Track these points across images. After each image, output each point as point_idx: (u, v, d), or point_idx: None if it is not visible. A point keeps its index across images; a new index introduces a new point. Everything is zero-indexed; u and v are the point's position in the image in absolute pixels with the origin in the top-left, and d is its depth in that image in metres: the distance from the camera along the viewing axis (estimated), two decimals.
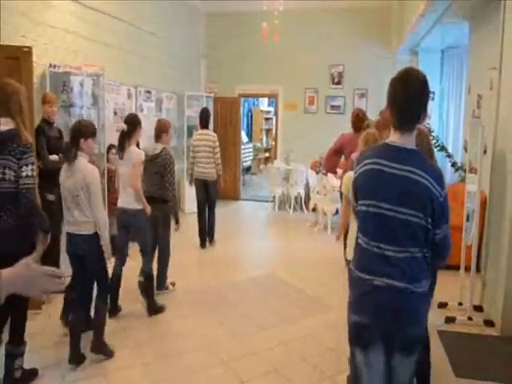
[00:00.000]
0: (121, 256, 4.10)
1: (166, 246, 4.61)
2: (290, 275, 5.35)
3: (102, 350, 3.40)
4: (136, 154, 4.00)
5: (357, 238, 2.03)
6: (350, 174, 3.13)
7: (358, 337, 2.00)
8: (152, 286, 4.25)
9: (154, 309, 4.17)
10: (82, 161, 3.27)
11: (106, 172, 5.55)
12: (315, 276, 5.39)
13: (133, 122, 4.09)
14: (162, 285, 4.64)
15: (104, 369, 3.29)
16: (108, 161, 5.69)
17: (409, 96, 1.93)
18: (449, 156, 6.84)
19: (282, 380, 3.21)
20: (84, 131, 3.31)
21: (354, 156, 3.79)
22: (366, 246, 1.95)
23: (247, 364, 3.41)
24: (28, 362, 3.08)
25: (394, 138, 1.95)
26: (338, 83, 9.52)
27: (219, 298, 4.67)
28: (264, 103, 15.40)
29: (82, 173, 3.21)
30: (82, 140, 3.27)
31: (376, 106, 8.39)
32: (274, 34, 7.33)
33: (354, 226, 3.26)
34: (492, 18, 4.94)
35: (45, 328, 3.80)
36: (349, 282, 2.09)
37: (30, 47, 4.20)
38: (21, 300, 2.67)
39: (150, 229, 4.17)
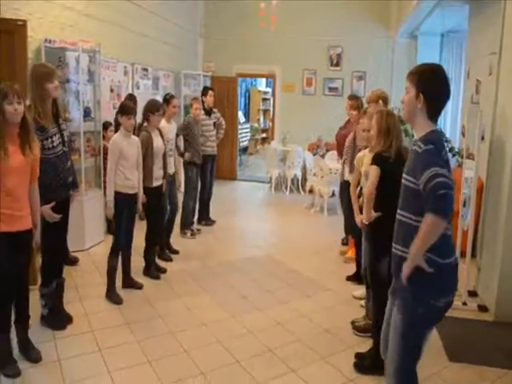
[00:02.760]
0: None
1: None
2: (287, 256, 5.37)
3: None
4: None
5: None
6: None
7: (441, 317, 2.16)
8: None
9: None
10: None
11: (101, 149, 5.49)
12: (311, 258, 5.40)
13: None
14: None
15: (97, 345, 3.30)
16: (104, 138, 5.62)
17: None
18: (446, 141, 6.82)
19: (277, 360, 3.23)
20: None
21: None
22: (450, 232, 2.09)
23: (243, 344, 3.43)
24: None
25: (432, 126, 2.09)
26: (337, 65, 9.42)
27: (216, 278, 4.68)
28: (262, 84, 15.23)
29: None
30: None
31: (374, 88, 8.32)
32: (271, 15, 7.21)
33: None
34: (492, 2, 4.86)
35: None
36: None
37: (24, 21, 4.09)
38: None
39: None
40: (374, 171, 2.99)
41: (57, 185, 3.27)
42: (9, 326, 2.95)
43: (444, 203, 1.86)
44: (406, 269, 2.03)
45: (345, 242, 5.75)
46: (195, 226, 6.13)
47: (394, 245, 2.21)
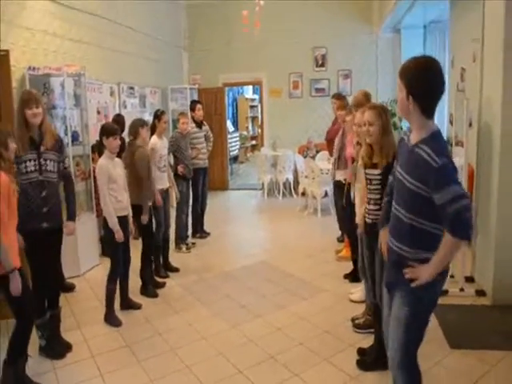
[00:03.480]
0: None
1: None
2: (282, 261, 5.36)
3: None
4: None
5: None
6: None
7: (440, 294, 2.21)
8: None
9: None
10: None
11: (91, 172, 5.48)
12: (306, 260, 5.40)
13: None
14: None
15: (99, 370, 3.28)
16: (93, 161, 5.62)
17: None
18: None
19: (279, 366, 3.22)
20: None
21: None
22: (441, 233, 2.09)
23: (244, 353, 3.42)
24: None
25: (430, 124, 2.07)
26: (322, 65, 9.48)
27: (213, 290, 4.67)
28: (249, 91, 15.32)
29: None
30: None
31: (361, 86, 8.39)
32: (255, 22, 7.25)
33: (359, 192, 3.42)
34: None
35: None
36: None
37: (7, 51, 4.12)
38: None
39: None
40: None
41: (26, 213, 3.14)
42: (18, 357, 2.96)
43: (469, 228, 1.92)
44: (421, 281, 2.05)
45: (341, 240, 5.76)
46: (190, 240, 6.12)
47: (390, 238, 2.23)
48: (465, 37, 5.33)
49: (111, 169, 3.95)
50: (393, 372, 2.27)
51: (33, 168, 3.28)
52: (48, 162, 3.36)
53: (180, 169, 5.66)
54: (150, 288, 4.60)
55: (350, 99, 4.99)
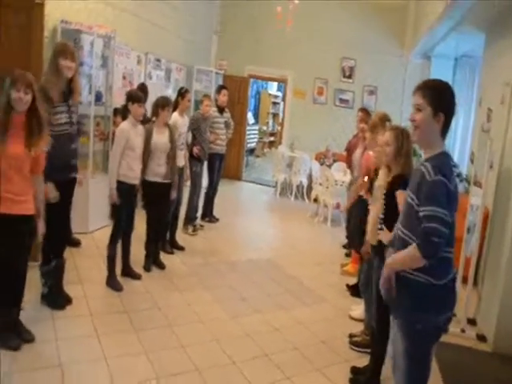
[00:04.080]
0: None
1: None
2: (288, 263, 5.35)
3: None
4: None
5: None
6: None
7: (444, 331, 2.14)
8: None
9: None
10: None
11: (110, 135, 5.47)
12: (312, 267, 5.39)
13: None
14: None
15: (95, 329, 3.29)
16: (114, 124, 5.60)
17: None
18: (454, 166, 6.81)
19: (272, 366, 3.22)
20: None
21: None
22: (451, 255, 2.07)
23: (240, 345, 3.42)
24: None
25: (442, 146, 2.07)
26: (349, 77, 9.41)
27: (217, 276, 4.68)
28: (273, 87, 15.26)
29: None
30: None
31: (385, 104, 8.37)
32: (288, 19, 7.19)
33: (374, 212, 3.33)
34: (509, 32, 4.88)
35: None
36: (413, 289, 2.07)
37: (42, 1, 4.08)
38: None
39: None
40: (402, 195, 2.66)
41: (57, 164, 3.16)
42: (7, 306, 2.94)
43: (433, 251, 1.93)
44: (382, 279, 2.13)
45: (347, 251, 5.75)
46: (198, 222, 6.11)
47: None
48: (495, 77, 5.28)
49: (132, 135, 3.94)
50: None
51: (64, 120, 3.29)
52: (73, 115, 3.40)
53: (195, 150, 5.57)
54: (149, 261, 4.55)
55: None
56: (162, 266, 4.63)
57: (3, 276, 2.83)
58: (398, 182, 2.89)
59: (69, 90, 3.32)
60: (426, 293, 2.02)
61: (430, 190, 1.95)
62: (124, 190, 3.95)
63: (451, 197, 1.96)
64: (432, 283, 2.01)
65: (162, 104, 4.36)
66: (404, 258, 2.03)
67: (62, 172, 3.29)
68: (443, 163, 2.00)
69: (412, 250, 1.97)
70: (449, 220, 1.92)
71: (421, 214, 1.96)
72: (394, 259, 2.09)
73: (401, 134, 3.04)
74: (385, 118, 4.19)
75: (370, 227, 3.50)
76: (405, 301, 2.08)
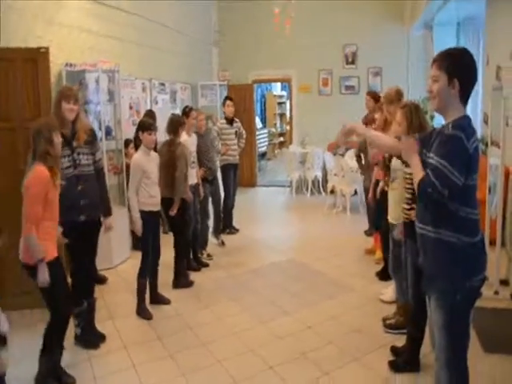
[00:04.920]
0: None
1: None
2: (310, 259, 5.35)
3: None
4: None
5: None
6: None
7: (479, 294, 2.15)
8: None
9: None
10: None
11: (124, 167, 5.58)
12: (335, 259, 5.37)
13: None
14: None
15: (131, 361, 3.34)
16: (126, 156, 5.71)
17: None
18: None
19: (310, 364, 3.23)
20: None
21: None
22: (476, 217, 2.09)
23: (274, 349, 3.43)
24: None
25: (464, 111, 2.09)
26: (352, 63, 9.37)
27: (242, 286, 4.70)
28: (277, 88, 15.29)
29: None
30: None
31: (391, 83, 8.23)
32: (286, 19, 7.21)
33: (393, 193, 3.42)
34: None
35: None
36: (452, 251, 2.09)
37: (47, 48, 4.21)
38: None
39: None
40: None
41: (64, 206, 3.14)
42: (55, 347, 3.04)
43: (425, 198, 2.05)
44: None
45: (369, 234, 5.72)
46: (220, 239, 6.05)
47: (417, 223, 2.22)
48: (501, 34, 5.19)
49: (146, 164, 4.00)
50: (440, 372, 2.22)
51: (67, 164, 3.36)
52: (81, 156, 3.44)
53: (200, 172, 5.28)
54: (183, 279, 4.67)
55: (382, 95, 4.97)
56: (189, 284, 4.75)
57: (58, 320, 2.98)
58: None
59: (73, 133, 3.39)
60: (460, 253, 2.05)
61: (445, 143, 1.99)
62: (148, 219, 4.02)
63: (469, 158, 1.97)
64: (464, 241, 2.03)
65: (180, 123, 4.57)
66: (416, 172, 2.09)
67: (70, 213, 3.35)
68: (464, 122, 2.02)
69: (418, 177, 2.04)
70: (453, 179, 1.93)
71: (430, 160, 2.03)
72: (417, 162, 2.13)
73: (409, 111, 3.08)
74: (400, 92, 4.20)
75: (391, 208, 3.50)
76: (442, 267, 2.10)
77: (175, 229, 4.69)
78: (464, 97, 2.06)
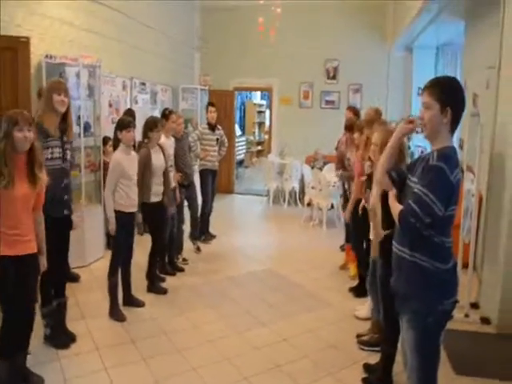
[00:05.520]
0: None
1: None
2: (288, 270, 5.36)
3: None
4: None
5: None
6: None
7: (450, 317, 2.19)
8: None
9: None
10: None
11: (101, 164, 5.48)
12: (312, 272, 5.39)
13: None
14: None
15: (103, 363, 3.27)
16: (104, 153, 5.62)
17: None
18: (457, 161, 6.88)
19: (284, 376, 3.22)
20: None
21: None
22: (450, 244, 2.14)
23: (250, 360, 3.42)
24: None
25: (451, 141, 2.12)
26: (333, 78, 9.50)
27: (219, 293, 4.67)
28: (257, 96, 15.35)
29: None
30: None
31: (371, 101, 8.42)
32: (270, 29, 7.26)
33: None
34: (489, 16, 4.94)
35: None
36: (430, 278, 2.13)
37: (27, 37, 4.13)
38: None
39: None
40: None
41: (49, 200, 3.07)
42: (14, 351, 2.87)
43: (407, 228, 2.08)
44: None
45: (343, 249, 5.78)
46: (196, 245, 6.00)
47: (394, 243, 2.26)
48: (478, 62, 5.35)
49: (126, 165, 3.93)
50: None
51: (57, 155, 3.29)
52: (67, 151, 3.41)
53: (177, 177, 5.18)
54: (158, 285, 4.61)
55: (362, 114, 5.09)
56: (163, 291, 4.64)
57: (10, 321, 2.78)
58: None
59: (64, 127, 3.35)
60: (434, 278, 2.09)
61: (429, 173, 2.01)
62: (123, 219, 3.95)
63: (451, 189, 2.01)
64: (437, 268, 2.07)
65: (150, 126, 4.40)
66: (395, 206, 2.15)
67: (55, 208, 3.27)
68: (449, 154, 2.05)
69: (397, 210, 2.09)
70: (434, 208, 1.96)
71: (413, 189, 2.05)
72: (392, 199, 2.22)
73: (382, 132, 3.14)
74: (379, 112, 4.26)
75: (373, 224, 3.54)
76: (415, 289, 2.14)
77: (152, 231, 4.61)
78: (454, 125, 2.10)
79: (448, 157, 2.03)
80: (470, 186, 4.35)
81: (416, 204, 1.99)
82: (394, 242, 2.26)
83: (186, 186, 5.50)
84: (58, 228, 3.32)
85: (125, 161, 3.94)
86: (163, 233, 4.75)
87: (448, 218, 2.05)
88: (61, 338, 3.48)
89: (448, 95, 2.06)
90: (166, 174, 4.59)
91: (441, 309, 2.12)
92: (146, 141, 4.44)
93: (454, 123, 2.09)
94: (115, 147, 4.27)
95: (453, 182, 2.00)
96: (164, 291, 4.57)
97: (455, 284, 2.18)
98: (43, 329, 3.46)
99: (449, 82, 2.13)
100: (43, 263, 2.98)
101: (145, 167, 4.29)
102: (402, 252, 2.17)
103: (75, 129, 5.11)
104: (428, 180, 2.00)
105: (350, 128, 4.98)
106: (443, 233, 2.09)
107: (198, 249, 5.91)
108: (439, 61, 8.47)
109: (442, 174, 1.98)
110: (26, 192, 2.70)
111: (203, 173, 6.22)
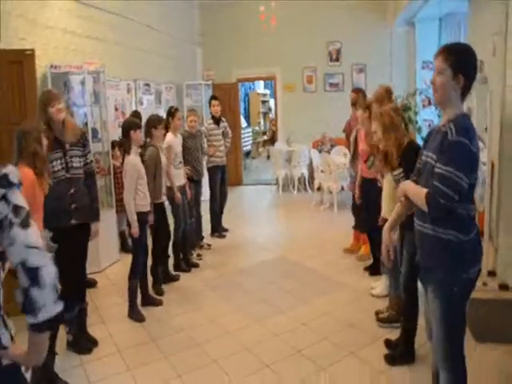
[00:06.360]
0: None
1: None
2: (300, 256, 5.37)
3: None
4: None
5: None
6: None
7: (474, 286, 2.19)
8: None
9: None
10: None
11: (111, 169, 5.51)
12: (325, 255, 5.40)
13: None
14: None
15: (126, 364, 3.31)
16: (113, 157, 5.64)
17: None
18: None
19: (306, 361, 3.23)
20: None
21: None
22: (474, 212, 2.13)
23: (270, 347, 3.43)
24: None
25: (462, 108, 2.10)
26: (336, 60, 9.43)
27: (233, 285, 4.69)
28: (260, 86, 15.28)
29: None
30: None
31: (375, 80, 8.33)
32: (271, 18, 7.22)
33: (387, 186, 3.45)
34: None
35: None
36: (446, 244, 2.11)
37: (32, 50, 4.16)
38: None
39: None
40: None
41: (55, 211, 3.11)
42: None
43: (437, 211, 2.02)
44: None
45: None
46: (205, 241, 5.98)
47: (416, 220, 2.23)
48: (484, 29, 5.24)
49: (140, 166, 3.97)
50: (439, 364, 2.25)
51: (59, 167, 3.28)
52: (74, 158, 3.36)
53: (186, 171, 5.25)
54: (157, 286, 4.54)
55: (370, 94, 4.99)
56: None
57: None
58: (399, 154, 3.00)
59: (63, 134, 3.30)
60: (458, 249, 2.07)
61: (451, 149, 1.97)
62: (142, 220, 3.98)
63: (474, 160, 2.00)
64: (461, 239, 2.05)
65: (154, 124, 4.39)
66: (417, 193, 2.11)
67: (59, 218, 3.29)
68: (466, 125, 2.02)
69: (422, 195, 2.03)
70: (462, 183, 1.94)
71: (436, 169, 2.00)
72: (410, 187, 2.19)
73: (380, 116, 3.12)
74: (390, 90, 4.21)
75: (385, 202, 3.52)
76: (439, 260, 2.12)
77: (157, 231, 4.52)
78: (465, 93, 2.07)
79: (466, 128, 2.00)
80: (480, 154, 4.28)
81: (443, 185, 1.95)
82: (415, 219, 2.24)
83: (196, 181, 5.52)
84: (73, 237, 3.31)
85: (139, 162, 3.97)
86: (166, 231, 4.69)
87: (472, 187, 2.04)
88: (83, 343, 3.53)
89: (462, 62, 2.03)
90: (167, 172, 4.65)
91: (466, 277, 2.10)
92: (149, 140, 4.44)
93: (465, 91, 2.06)
94: (125, 150, 4.24)
95: (475, 153, 1.99)
96: (161, 293, 4.48)
97: (479, 252, 2.16)
98: (66, 336, 3.51)
99: (463, 49, 2.09)
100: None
101: (156, 167, 4.30)
102: (424, 227, 2.15)
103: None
104: (451, 157, 1.97)
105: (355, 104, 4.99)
106: (467, 200, 2.06)
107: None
108: (442, 33, 8.29)
109: (465, 148, 1.95)
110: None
111: (212, 170, 6.21)
